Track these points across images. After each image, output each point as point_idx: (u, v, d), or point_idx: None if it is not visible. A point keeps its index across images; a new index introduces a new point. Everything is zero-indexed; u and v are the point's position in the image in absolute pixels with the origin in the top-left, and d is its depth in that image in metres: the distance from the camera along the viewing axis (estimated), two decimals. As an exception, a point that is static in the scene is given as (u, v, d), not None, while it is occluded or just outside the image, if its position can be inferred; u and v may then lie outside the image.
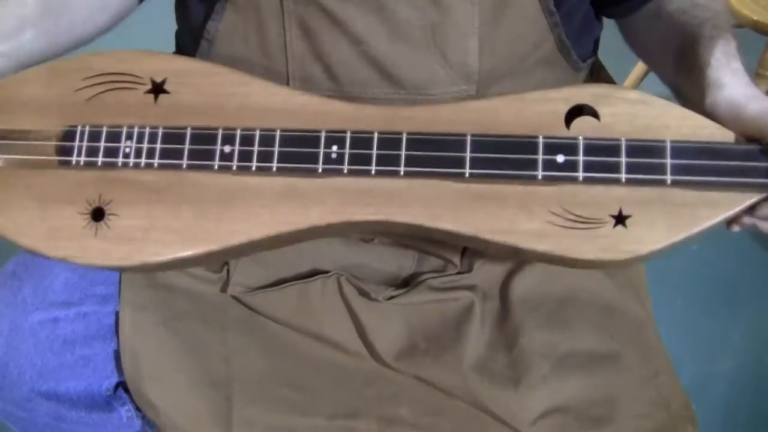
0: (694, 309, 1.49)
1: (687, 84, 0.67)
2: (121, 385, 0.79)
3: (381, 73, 0.68)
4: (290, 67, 0.69)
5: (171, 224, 0.65)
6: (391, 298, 0.77)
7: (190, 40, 0.75)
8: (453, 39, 0.67)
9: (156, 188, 0.66)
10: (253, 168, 0.64)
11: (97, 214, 0.66)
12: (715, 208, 0.59)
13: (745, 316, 1.49)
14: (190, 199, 0.65)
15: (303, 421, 0.73)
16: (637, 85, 1.68)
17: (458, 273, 0.78)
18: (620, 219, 0.60)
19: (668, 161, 0.59)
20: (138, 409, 0.78)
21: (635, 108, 0.61)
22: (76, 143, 0.67)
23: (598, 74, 0.83)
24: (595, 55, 0.80)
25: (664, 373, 0.77)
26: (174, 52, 0.83)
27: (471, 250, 0.78)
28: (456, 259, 0.78)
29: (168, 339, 0.75)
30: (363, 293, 0.77)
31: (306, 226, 0.64)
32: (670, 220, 0.59)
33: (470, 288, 0.77)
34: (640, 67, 1.69)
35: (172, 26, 0.82)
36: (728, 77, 0.62)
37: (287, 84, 0.70)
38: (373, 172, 0.63)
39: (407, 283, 0.79)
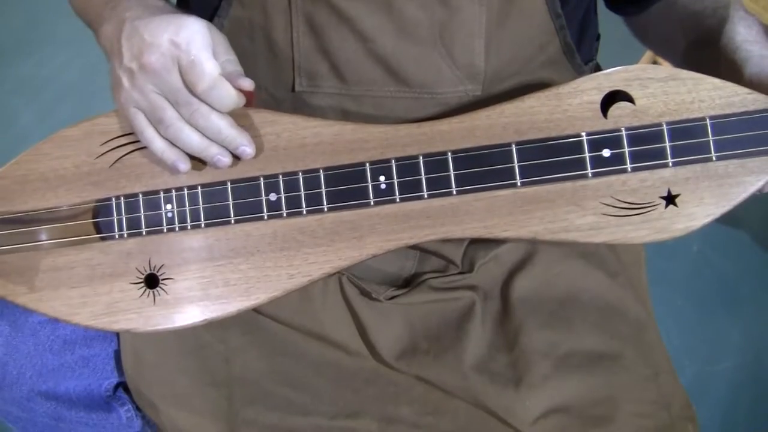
0: (694, 309, 1.50)
1: (712, 65, 0.68)
2: (121, 385, 0.79)
3: (387, 71, 0.68)
4: (296, 64, 0.69)
5: (228, 278, 0.65)
6: (393, 298, 0.77)
7: None
8: (460, 39, 0.67)
9: (205, 245, 0.65)
10: (304, 212, 0.64)
11: (151, 281, 0.65)
12: (756, 174, 0.62)
13: (745, 317, 1.49)
14: (243, 250, 0.65)
15: (303, 420, 0.73)
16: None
17: (459, 273, 0.78)
18: (670, 199, 0.62)
19: (710, 139, 0.61)
20: (138, 409, 0.78)
21: (667, 85, 0.62)
22: (114, 217, 0.66)
23: None
24: (595, 60, 0.81)
25: (665, 372, 0.77)
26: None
27: (472, 250, 0.78)
28: (457, 259, 0.78)
29: (168, 339, 0.75)
30: (364, 293, 0.77)
31: (364, 257, 0.64)
32: (717, 192, 0.62)
33: (471, 288, 0.77)
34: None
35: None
36: None
37: (293, 81, 0.70)
38: (425, 196, 0.63)
39: (408, 283, 0.79)
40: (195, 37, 0.61)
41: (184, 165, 0.64)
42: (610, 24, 0.84)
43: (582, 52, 0.74)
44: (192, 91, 0.62)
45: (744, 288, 1.54)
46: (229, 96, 0.62)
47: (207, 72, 0.60)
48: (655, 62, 1.59)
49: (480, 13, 0.67)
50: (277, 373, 0.75)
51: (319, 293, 0.76)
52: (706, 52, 0.72)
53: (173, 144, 0.64)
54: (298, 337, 0.76)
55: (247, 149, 0.64)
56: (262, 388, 0.74)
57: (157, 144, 0.64)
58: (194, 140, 0.63)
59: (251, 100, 0.64)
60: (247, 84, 0.63)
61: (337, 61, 0.68)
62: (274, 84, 0.71)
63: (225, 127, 0.63)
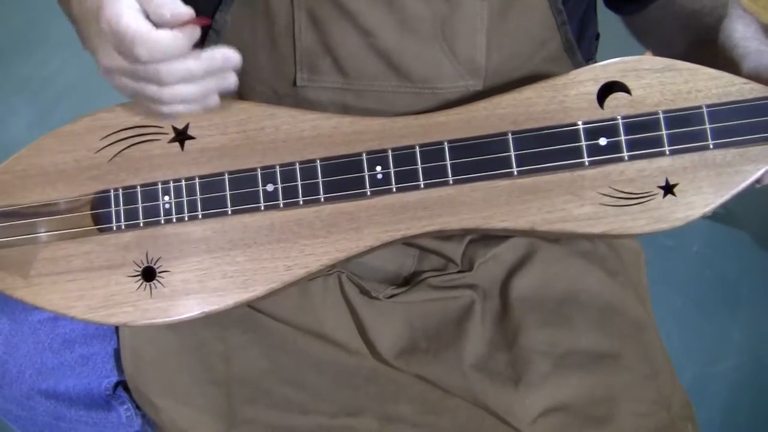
0: (694, 309, 1.50)
1: (711, 63, 0.68)
2: (121, 384, 0.78)
3: (388, 65, 0.68)
4: (298, 58, 0.69)
5: (226, 270, 0.65)
6: (392, 296, 0.77)
7: None
8: (461, 33, 0.68)
9: (202, 237, 0.65)
10: (301, 203, 0.64)
11: (148, 274, 0.65)
12: (756, 162, 0.62)
13: (745, 317, 1.49)
14: (240, 242, 0.65)
15: (303, 419, 0.73)
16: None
17: (459, 272, 0.78)
18: (668, 188, 0.62)
19: (707, 126, 0.62)
20: (138, 408, 0.78)
21: (664, 76, 0.63)
22: (113, 208, 0.66)
23: None
24: (595, 59, 0.81)
25: (665, 372, 0.77)
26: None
27: (472, 248, 0.78)
28: (457, 258, 0.78)
29: (168, 337, 0.75)
30: (364, 291, 0.77)
31: (362, 249, 0.65)
32: (716, 181, 0.62)
33: (471, 287, 0.77)
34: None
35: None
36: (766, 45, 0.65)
37: (294, 75, 0.70)
38: (422, 186, 0.63)
39: (408, 281, 0.79)
40: (113, 12, 0.56)
41: (213, 99, 0.61)
42: (609, 24, 0.84)
43: (582, 50, 0.74)
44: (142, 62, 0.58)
45: (744, 288, 1.54)
46: (166, 44, 0.57)
47: (130, 38, 0.56)
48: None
49: (481, 8, 0.67)
50: (277, 371, 0.75)
51: (318, 292, 0.76)
52: (704, 51, 0.72)
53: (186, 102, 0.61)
54: (298, 335, 0.76)
55: (226, 53, 0.59)
56: (261, 386, 0.74)
57: (178, 108, 0.61)
58: (188, 91, 0.60)
59: (199, 22, 0.58)
60: (184, 12, 0.57)
61: (338, 55, 0.69)
62: (275, 78, 0.71)
63: (190, 65, 0.58)
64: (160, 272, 0.65)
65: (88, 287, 0.65)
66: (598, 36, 0.81)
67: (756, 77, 0.63)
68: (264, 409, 0.74)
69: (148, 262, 0.65)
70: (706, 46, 0.71)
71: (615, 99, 0.63)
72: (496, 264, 0.78)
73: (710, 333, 1.46)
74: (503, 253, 0.78)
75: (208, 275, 0.65)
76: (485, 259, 0.78)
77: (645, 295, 0.82)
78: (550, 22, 0.70)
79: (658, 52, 0.86)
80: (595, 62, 0.80)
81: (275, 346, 0.76)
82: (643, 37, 0.83)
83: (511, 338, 0.75)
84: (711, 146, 0.61)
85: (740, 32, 0.68)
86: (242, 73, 0.70)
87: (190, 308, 0.65)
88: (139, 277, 0.65)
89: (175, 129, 0.66)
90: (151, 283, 0.65)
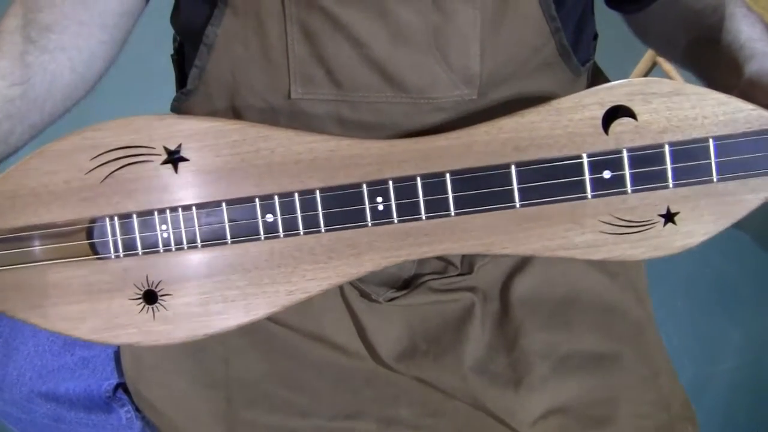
0: (694, 310, 1.50)
1: (713, 62, 0.67)
2: (121, 386, 0.79)
3: (383, 76, 0.68)
4: (292, 71, 0.69)
5: (227, 294, 0.64)
6: (392, 299, 0.77)
7: (189, 46, 0.74)
8: (455, 43, 0.67)
9: (203, 261, 0.64)
10: (301, 234, 0.64)
11: (150, 297, 0.65)
12: (757, 192, 0.61)
13: (745, 317, 1.49)
14: (240, 267, 0.64)
15: (303, 422, 0.74)
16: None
17: (459, 274, 0.78)
18: (669, 217, 0.61)
19: (713, 161, 0.61)
20: (138, 410, 0.78)
21: (671, 101, 0.61)
22: (109, 238, 0.64)
23: (596, 79, 0.82)
24: (593, 60, 0.81)
25: (665, 373, 0.77)
26: (172, 56, 0.82)
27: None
28: (456, 261, 0.78)
29: (168, 340, 0.75)
30: (364, 294, 0.77)
31: (362, 274, 0.64)
32: (716, 210, 0.61)
33: (471, 289, 0.77)
34: (639, 69, 1.69)
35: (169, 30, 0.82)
36: None
37: (289, 88, 0.69)
38: (423, 218, 0.63)
39: (408, 284, 0.79)
40: None
41: None
42: (609, 23, 0.84)
43: (579, 53, 0.73)
44: None
45: (744, 288, 1.54)
46: None
47: None
48: (655, 62, 1.59)
49: (474, 17, 0.66)
50: (277, 374, 0.75)
51: (318, 295, 0.76)
52: (706, 50, 0.71)
53: None
54: (298, 338, 0.76)
55: None
56: (261, 389, 0.75)
57: None
58: None
59: None
60: None
61: (332, 67, 0.68)
62: (269, 91, 0.70)
63: None
64: (161, 295, 0.64)
65: (89, 310, 0.65)
66: (596, 36, 0.81)
67: (757, 80, 0.62)
68: (263, 412, 0.74)
69: (148, 285, 0.65)
70: (709, 46, 0.71)
71: (620, 125, 0.61)
72: (495, 266, 0.78)
73: (710, 333, 1.46)
74: (503, 256, 0.78)
75: (209, 299, 0.64)
76: (485, 262, 0.77)
77: (645, 295, 0.82)
78: (544, 29, 0.69)
79: (660, 50, 0.86)
80: (593, 63, 0.80)
81: (275, 349, 0.76)
82: (644, 35, 0.83)
83: (512, 340, 0.75)
84: (715, 180, 0.61)
85: (746, 33, 0.67)
86: (236, 87, 0.70)
87: (192, 331, 0.65)
88: (141, 300, 0.65)
89: (166, 150, 0.64)
90: (153, 306, 0.65)
